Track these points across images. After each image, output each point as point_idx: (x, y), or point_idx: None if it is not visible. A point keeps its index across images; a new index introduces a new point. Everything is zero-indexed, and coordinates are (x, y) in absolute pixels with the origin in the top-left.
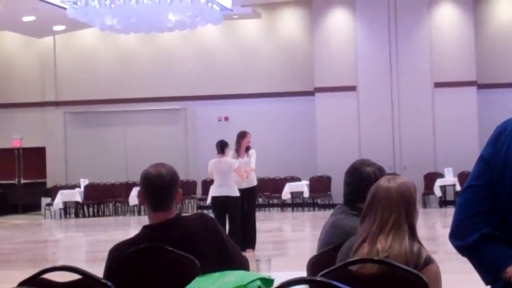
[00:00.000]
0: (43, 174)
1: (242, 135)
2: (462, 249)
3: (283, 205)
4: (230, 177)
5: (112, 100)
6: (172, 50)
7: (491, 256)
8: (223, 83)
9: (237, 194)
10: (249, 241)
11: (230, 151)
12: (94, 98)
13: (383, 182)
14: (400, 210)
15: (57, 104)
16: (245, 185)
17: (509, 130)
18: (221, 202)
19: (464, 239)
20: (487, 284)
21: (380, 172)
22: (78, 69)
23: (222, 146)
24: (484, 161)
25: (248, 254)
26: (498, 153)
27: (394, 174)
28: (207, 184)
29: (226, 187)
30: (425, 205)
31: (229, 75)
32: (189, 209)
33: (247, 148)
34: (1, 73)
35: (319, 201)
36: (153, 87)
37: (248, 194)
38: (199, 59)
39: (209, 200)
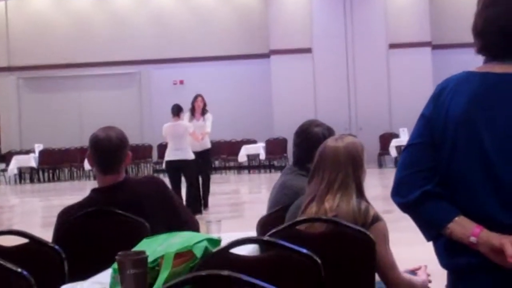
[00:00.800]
0: None
1: (194, 98)
2: (404, 207)
3: (239, 168)
4: (185, 141)
5: (66, 65)
6: (126, 14)
7: (432, 213)
8: (178, 47)
9: (193, 157)
10: (205, 203)
11: (186, 113)
12: (47, 63)
13: (330, 142)
14: (348, 169)
15: (9, 69)
16: (199, 148)
17: (449, 88)
18: (176, 166)
19: (405, 197)
20: (428, 240)
21: (328, 132)
22: (30, 34)
23: (177, 110)
24: (425, 119)
25: (204, 215)
26: (439, 111)
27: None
28: (162, 148)
29: (182, 150)
30: (380, 165)
31: (183, 38)
32: (145, 173)
33: (204, 112)
34: None
35: (275, 163)
36: (107, 51)
37: (202, 157)
38: (153, 23)
39: (164, 164)
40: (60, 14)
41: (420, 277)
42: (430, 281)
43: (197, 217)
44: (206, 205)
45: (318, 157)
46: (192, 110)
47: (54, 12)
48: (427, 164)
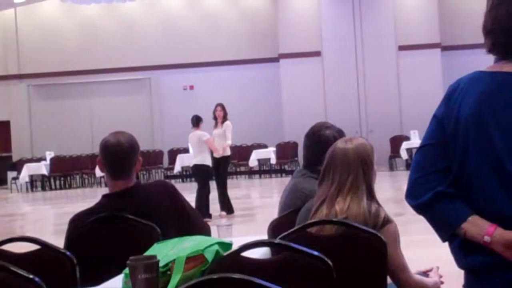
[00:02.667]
0: (8, 148)
1: (215, 107)
2: (418, 208)
3: (250, 173)
4: (200, 148)
5: (76, 72)
6: (135, 20)
7: (446, 213)
8: (187, 52)
9: (207, 163)
10: (229, 207)
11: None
12: (57, 70)
13: (340, 144)
14: (358, 171)
15: (20, 77)
16: (218, 155)
17: (460, 88)
18: (194, 171)
19: (419, 198)
20: (444, 241)
21: (339, 134)
22: (40, 41)
23: (196, 121)
24: (437, 120)
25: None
26: (451, 112)
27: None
28: (173, 153)
29: (200, 156)
30: (391, 168)
31: (193, 44)
32: (156, 178)
33: (224, 120)
34: None
35: (286, 167)
36: (117, 58)
37: (220, 163)
38: (162, 28)
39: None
40: (70, 21)
41: (431, 279)
42: (442, 282)
43: (208, 221)
44: (230, 210)
45: (328, 159)
46: (215, 119)
47: (63, 19)
48: (440, 165)
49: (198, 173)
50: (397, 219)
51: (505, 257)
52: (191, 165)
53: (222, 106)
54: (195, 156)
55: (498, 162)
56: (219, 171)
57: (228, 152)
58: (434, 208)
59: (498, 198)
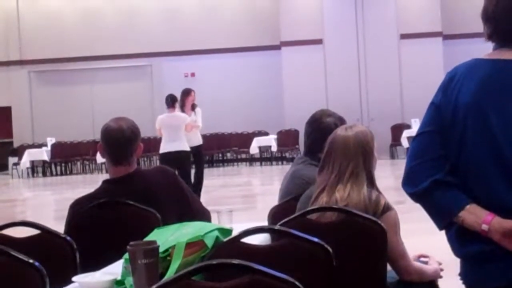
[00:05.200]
0: (10, 134)
1: (186, 93)
2: (415, 196)
3: (251, 160)
4: (182, 132)
5: (78, 58)
6: (137, 6)
7: (443, 202)
8: (189, 39)
9: (189, 148)
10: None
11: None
12: (59, 56)
13: (340, 131)
14: (358, 159)
15: (21, 63)
16: (192, 143)
17: (458, 76)
18: (174, 157)
19: (416, 186)
20: (440, 229)
21: (340, 122)
22: (42, 28)
23: (173, 100)
24: (435, 107)
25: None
26: (448, 99)
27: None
28: None
29: (179, 141)
30: (392, 156)
31: (195, 31)
32: (157, 165)
33: (193, 106)
34: None
35: (287, 155)
36: (119, 44)
37: (195, 152)
38: (164, 15)
39: (159, 157)
40: (71, 8)
41: (431, 266)
42: (442, 270)
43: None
44: None
45: (328, 147)
46: (183, 107)
47: (65, 6)
48: (437, 152)
49: (184, 160)
50: (398, 207)
51: (503, 246)
52: (171, 150)
53: (194, 92)
54: (175, 140)
55: (497, 149)
56: (194, 162)
57: (200, 140)
58: (432, 196)
59: (496, 186)
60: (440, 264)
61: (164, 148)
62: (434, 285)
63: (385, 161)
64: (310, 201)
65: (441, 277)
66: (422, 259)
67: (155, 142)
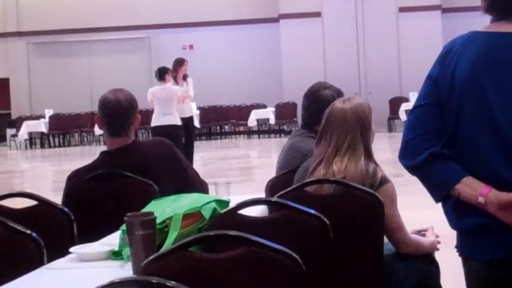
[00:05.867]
0: (7, 105)
1: (179, 63)
2: (411, 169)
3: (249, 132)
4: (174, 105)
5: (76, 30)
6: None
7: (440, 174)
8: (187, 11)
9: (180, 122)
10: None
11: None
12: (57, 28)
13: (337, 104)
14: (355, 131)
15: (19, 34)
16: (185, 114)
17: (456, 49)
18: (166, 131)
19: (413, 159)
20: (437, 202)
21: (338, 94)
22: None
23: (162, 73)
24: (432, 80)
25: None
26: (445, 72)
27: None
28: None
29: (171, 115)
30: (390, 129)
31: (193, 3)
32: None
33: (185, 76)
34: None
35: (285, 127)
36: (117, 16)
37: (186, 124)
38: None
39: (151, 130)
40: None
41: (428, 238)
42: (439, 242)
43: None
44: None
45: (325, 119)
46: (176, 77)
47: None
48: (434, 125)
49: (176, 134)
50: (395, 180)
51: (499, 219)
52: (164, 124)
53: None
54: (168, 113)
55: (494, 122)
56: (185, 133)
57: (193, 111)
58: (428, 169)
59: (492, 158)
60: (437, 236)
61: (156, 121)
62: (431, 257)
63: (383, 134)
64: (307, 173)
65: (438, 249)
66: (423, 232)
67: (152, 114)
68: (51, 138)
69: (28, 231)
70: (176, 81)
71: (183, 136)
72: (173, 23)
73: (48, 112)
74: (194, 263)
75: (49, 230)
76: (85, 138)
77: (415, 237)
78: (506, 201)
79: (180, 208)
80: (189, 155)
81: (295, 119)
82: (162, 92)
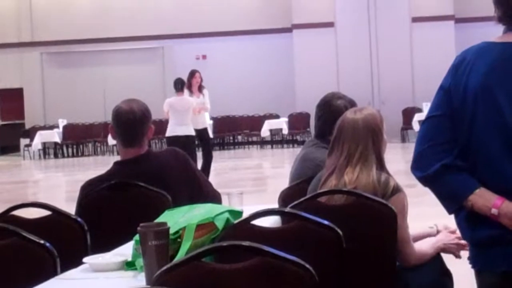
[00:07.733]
0: (21, 115)
1: (191, 74)
2: (424, 180)
3: (262, 143)
4: (189, 116)
5: (90, 40)
6: None
7: (453, 186)
8: (200, 21)
9: (194, 133)
10: None
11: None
12: (71, 38)
13: (349, 114)
14: (367, 141)
15: (33, 44)
16: (198, 126)
17: (468, 59)
18: (182, 141)
19: (425, 170)
20: (450, 213)
21: (350, 104)
22: (54, 9)
23: (181, 85)
24: (444, 91)
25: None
26: (458, 82)
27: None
28: None
29: (187, 126)
30: (403, 139)
31: (206, 13)
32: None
33: (200, 88)
34: None
35: (298, 137)
36: (130, 26)
37: (202, 134)
38: None
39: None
40: None
41: (426, 243)
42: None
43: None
44: None
45: (337, 130)
46: (190, 87)
47: None
48: (446, 136)
49: (191, 144)
50: (408, 191)
51: None
52: (179, 134)
53: (200, 73)
54: (183, 124)
55: (507, 133)
56: (203, 144)
57: (208, 122)
58: (441, 180)
59: (506, 170)
60: (453, 232)
61: (172, 131)
62: (444, 268)
63: (396, 144)
64: (319, 184)
65: (459, 257)
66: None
67: (166, 124)
68: (64, 148)
69: (42, 241)
70: (190, 92)
71: (202, 147)
72: (186, 33)
73: (62, 122)
74: (207, 274)
75: (63, 240)
76: (99, 148)
77: (419, 249)
78: None
79: (193, 219)
80: (208, 164)
81: (308, 129)
82: (180, 102)
